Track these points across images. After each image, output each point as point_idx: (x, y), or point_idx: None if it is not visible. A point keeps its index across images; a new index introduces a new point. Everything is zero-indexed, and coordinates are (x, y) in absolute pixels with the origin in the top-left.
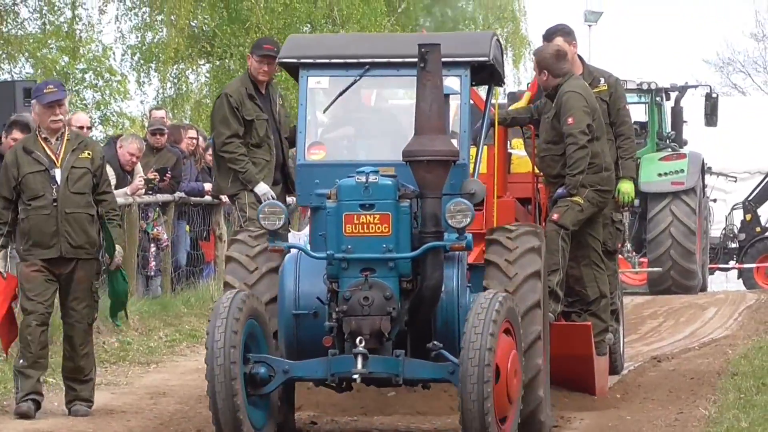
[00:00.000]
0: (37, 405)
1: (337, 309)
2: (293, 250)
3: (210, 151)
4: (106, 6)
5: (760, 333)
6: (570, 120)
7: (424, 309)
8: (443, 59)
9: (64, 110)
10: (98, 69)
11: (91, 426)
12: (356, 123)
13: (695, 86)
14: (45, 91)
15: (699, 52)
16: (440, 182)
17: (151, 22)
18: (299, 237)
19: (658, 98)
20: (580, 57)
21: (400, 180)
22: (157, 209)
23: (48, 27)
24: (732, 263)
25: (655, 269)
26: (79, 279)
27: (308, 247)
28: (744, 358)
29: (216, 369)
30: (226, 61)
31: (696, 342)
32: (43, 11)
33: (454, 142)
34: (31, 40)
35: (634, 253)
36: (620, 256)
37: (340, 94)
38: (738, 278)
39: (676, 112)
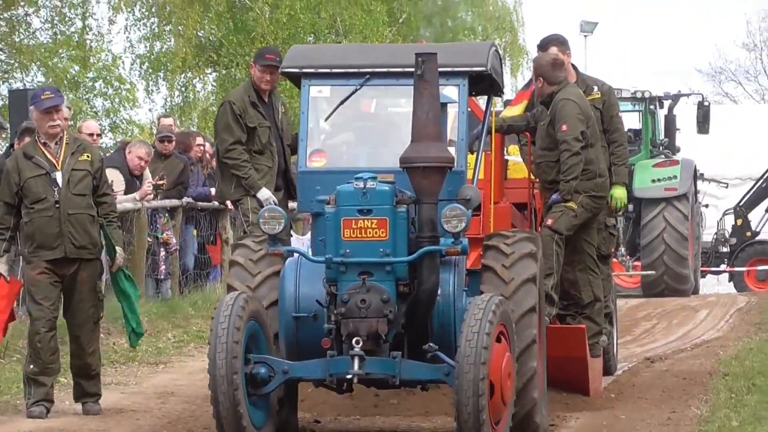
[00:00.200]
0: (48, 409)
1: (335, 312)
2: (295, 254)
3: None
4: (115, 16)
5: (750, 334)
6: (564, 127)
7: (421, 312)
8: (442, 69)
9: (61, 115)
10: (108, 78)
11: (101, 425)
12: (356, 131)
13: (688, 95)
14: (42, 97)
15: (692, 61)
16: (436, 188)
17: (160, 32)
18: (303, 241)
19: (651, 106)
20: (573, 66)
21: (399, 186)
22: (166, 214)
23: (59, 37)
24: (723, 267)
25: (649, 272)
26: (83, 279)
27: (309, 252)
28: (735, 359)
29: (218, 369)
30: (232, 70)
31: (688, 343)
32: (55, 21)
33: (452, 149)
34: (43, 50)
35: (628, 257)
36: (615, 259)
37: (341, 102)
38: (729, 281)
39: (670, 119)
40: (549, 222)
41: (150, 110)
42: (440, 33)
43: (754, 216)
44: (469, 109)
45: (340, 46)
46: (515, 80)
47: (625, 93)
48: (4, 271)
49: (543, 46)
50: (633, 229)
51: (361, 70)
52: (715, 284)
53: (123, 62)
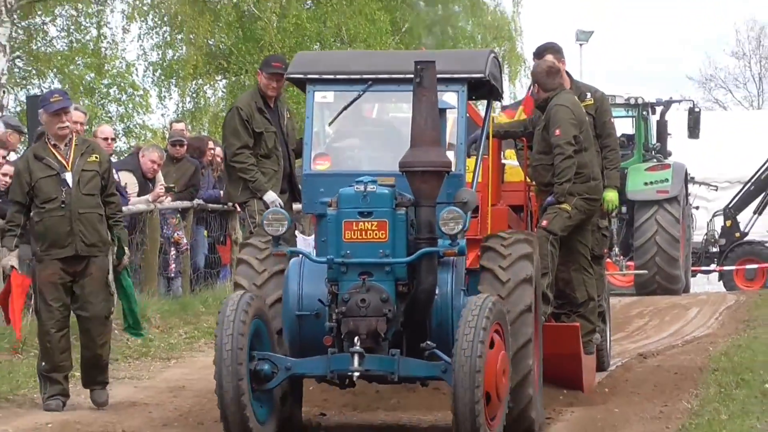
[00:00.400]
0: (64, 403)
1: (336, 310)
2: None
3: None
4: (129, 25)
5: (739, 331)
6: (557, 132)
7: (419, 311)
8: (442, 75)
9: (69, 117)
10: (122, 84)
11: (115, 417)
12: (359, 135)
13: (679, 101)
14: (51, 100)
15: (683, 69)
16: (434, 191)
17: (172, 40)
18: (309, 241)
19: (644, 112)
20: (568, 73)
21: (399, 189)
22: (178, 215)
23: (75, 45)
24: (713, 266)
25: (642, 272)
26: (93, 274)
27: (313, 252)
28: (724, 355)
29: (224, 368)
30: (242, 77)
31: (679, 340)
32: (71, 30)
33: (451, 154)
34: (60, 57)
35: (621, 257)
36: (609, 259)
37: (345, 108)
38: (719, 280)
39: (661, 125)
40: (544, 223)
41: (162, 115)
42: (441, 41)
43: (743, 217)
44: (467, 115)
45: (343, 53)
46: (513, 87)
47: (618, 99)
48: (16, 264)
49: (539, 53)
50: (626, 230)
51: (364, 76)
52: (705, 283)
53: (136, 69)
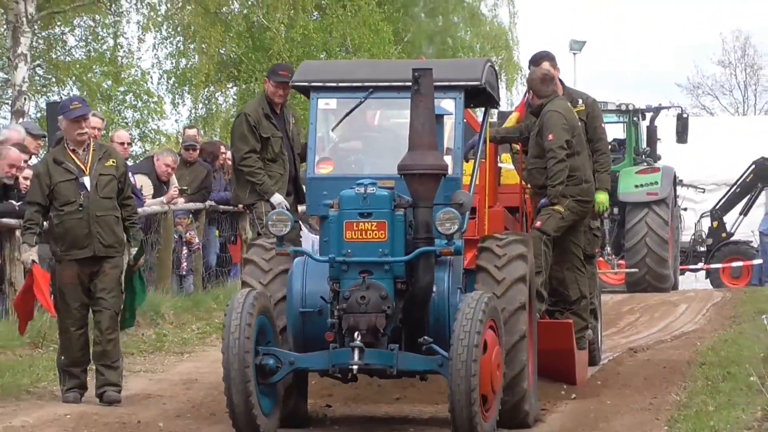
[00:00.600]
0: (82, 395)
1: (338, 307)
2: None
3: None
4: (144, 35)
5: (725, 327)
6: (550, 136)
7: (417, 307)
8: (441, 83)
9: (88, 124)
10: (137, 91)
11: (130, 409)
12: (361, 140)
13: (668, 107)
14: (71, 107)
15: (672, 77)
16: (431, 193)
17: (185, 49)
18: (314, 240)
19: (635, 118)
20: (561, 80)
21: (397, 191)
22: (190, 216)
23: (93, 54)
24: (700, 265)
25: (633, 270)
26: (108, 272)
27: (317, 252)
28: (711, 349)
29: (232, 363)
30: (251, 84)
31: (668, 335)
32: (89, 40)
33: (449, 158)
34: (78, 66)
35: (613, 256)
36: (601, 258)
37: (347, 114)
38: (706, 278)
39: (651, 130)
40: (538, 224)
41: (176, 121)
42: (441, 51)
43: (729, 218)
44: (465, 120)
45: (346, 62)
46: (510, 94)
47: (610, 105)
48: (37, 258)
49: (535, 61)
50: (618, 230)
51: (365, 84)
52: (693, 281)
53: (151, 77)
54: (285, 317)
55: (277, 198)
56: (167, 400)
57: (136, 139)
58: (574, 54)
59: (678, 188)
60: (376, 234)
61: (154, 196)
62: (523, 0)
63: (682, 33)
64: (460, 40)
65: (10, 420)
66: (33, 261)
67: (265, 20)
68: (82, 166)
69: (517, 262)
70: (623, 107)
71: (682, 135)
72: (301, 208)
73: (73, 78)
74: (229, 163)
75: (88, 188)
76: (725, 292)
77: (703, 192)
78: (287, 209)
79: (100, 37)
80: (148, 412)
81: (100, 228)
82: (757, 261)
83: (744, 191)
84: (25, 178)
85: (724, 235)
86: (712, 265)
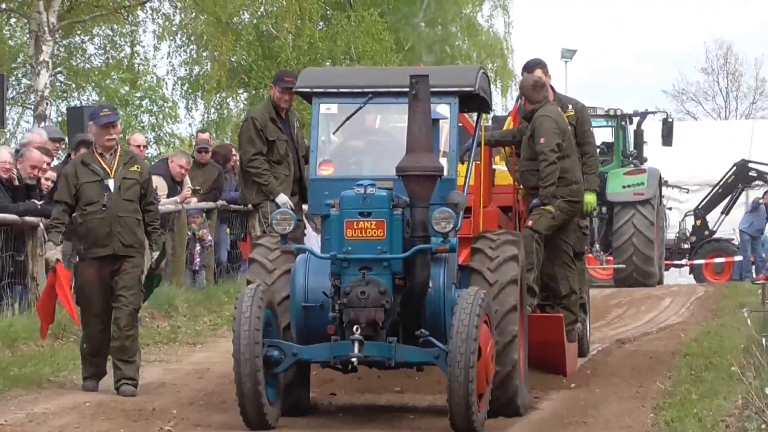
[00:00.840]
0: (98, 382)
1: (338, 302)
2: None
3: None
4: (159, 44)
5: (708, 320)
6: (542, 140)
7: (414, 302)
8: (436, 89)
9: (117, 130)
10: (153, 97)
11: (146, 397)
12: (361, 143)
13: (654, 112)
14: (101, 114)
15: (658, 83)
16: (428, 194)
17: (198, 57)
18: (318, 239)
19: (622, 122)
20: (552, 87)
21: (395, 192)
22: (203, 215)
23: (111, 61)
24: (684, 261)
25: (620, 266)
26: (128, 271)
27: (317, 249)
28: (694, 340)
29: (242, 354)
30: (261, 90)
31: (654, 327)
32: (107, 48)
33: (444, 160)
34: (97, 72)
35: (602, 252)
36: (590, 254)
37: (348, 118)
38: (689, 273)
39: (638, 134)
40: (530, 223)
41: (189, 125)
42: (440, 58)
43: (711, 217)
44: (460, 125)
45: (346, 69)
46: (505, 100)
47: (599, 110)
48: (61, 257)
49: (529, 68)
50: (606, 228)
51: (365, 89)
52: (678, 276)
53: (166, 83)
54: (289, 315)
55: (282, 198)
56: (181, 389)
57: (151, 141)
58: (566, 62)
59: (663, 188)
60: (375, 232)
61: (168, 196)
62: (518, 11)
63: (668, 42)
64: (458, 48)
65: (32, 407)
66: (57, 260)
67: (274, 30)
68: (108, 169)
69: (509, 264)
70: (611, 112)
71: (667, 138)
72: (305, 207)
73: (92, 84)
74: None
75: (111, 190)
76: (708, 286)
77: (687, 192)
78: (291, 209)
79: (117, 46)
80: (162, 399)
81: (121, 228)
82: (738, 257)
83: (726, 191)
84: (47, 179)
85: (706, 233)
86: (696, 261)
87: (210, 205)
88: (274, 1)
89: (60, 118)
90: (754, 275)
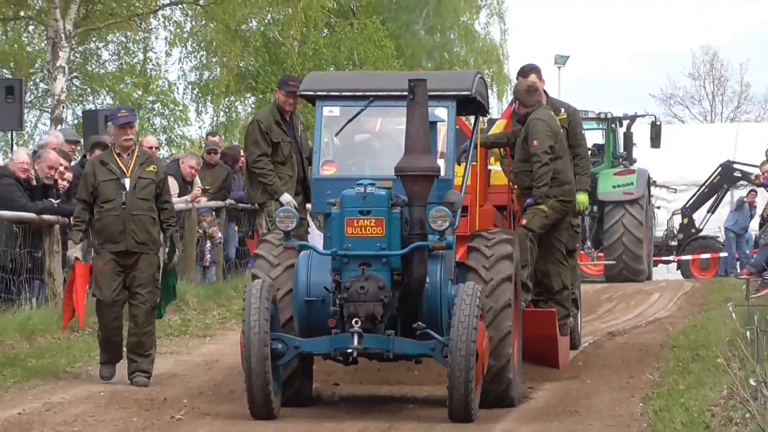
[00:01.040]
0: (114, 367)
1: (339, 296)
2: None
3: None
4: (171, 50)
5: (694, 313)
6: (535, 142)
7: (412, 297)
8: (435, 93)
9: (134, 131)
10: (165, 100)
11: (158, 387)
12: (361, 145)
13: (643, 116)
14: (119, 115)
15: (646, 88)
16: (425, 193)
17: (208, 63)
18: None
19: (613, 125)
20: (545, 91)
21: (394, 191)
22: (213, 213)
23: (124, 66)
24: (672, 257)
25: (611, 262)
26: (142, 269)
27: (320, 246)
28: (682, 333)
29: (252, 346)
30: (268, 95)
31: (643, 321)
32: (121, 54)
33: (442, 161)
34: (111, 77)
35: (593, 249)
36: (582, 251)
37: (349, 121)
38: (677, 269)
39: (628, 136)
40: (524, 222)
41: (199, 128)
42: (439, 64)
43: (698, 216)
44: (457, 127)
45: (348, 73)
46: (501, 104)
47: (590, 114)
48: (80, 256)
49: (524, 73)
50: (597, 226)
51: (366, 93)
52: (666, 272)
53: (177, 88)
54: (291, 308)
55: (286, 197)
56: (191, 379)
57: (163, 143)
58: (559, 67)
59: (652, 188)
60: (374, 230)
61: (179, 195)
62: (513, 19)
63: (656, 48)
64: (456, 54)
65: (49, 397)
66: (75, 258)
67: (280, 36)
68: (124, 169)
69: (504, 263)
70: (602, 115)
71: (655, 140)
72: (308, 206)
73: (107, 88)
74: None
75: (127, 188)
76: (694, 282)
77: (675, 192)
78: (295, 207)
79: (131, 52)
80: (173, 389)
81: (135, 226)
82: (723, 254)
83: (711, 191)
84: (63, 179)
85: (693, 230)
86: (683, 258)
87: (219, 203)
88: (280, 9)
89: (76, 121)
90: (738, 271)
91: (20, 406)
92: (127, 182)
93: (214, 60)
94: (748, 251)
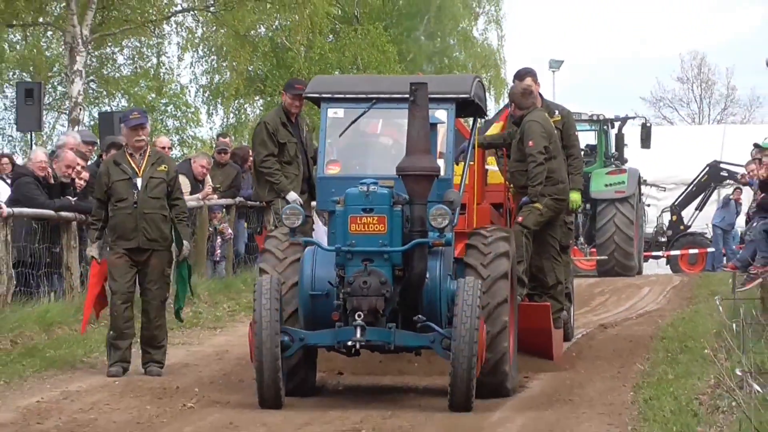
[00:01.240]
0: (125, 369)
1: (343, 290)
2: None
3: None
4: (183, 55)
5: (683, 306)
6: (530, 143)
7: (412, 291)
8: (435, 96)
9: (146, 132)
10: (177, 103)
11: (171, 376)
12: (364, 145)
13: (634, 117)
14: (131, 117)
15: (637, 91)
16: (425, 192)
17: (218, 67)
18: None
19: (605, 126)
20: (540, 94)
21: (396, 190)
22: (223, 210)
23: (139, 70)
24: (662, 252)
25: (603, 257)
26: (154, 265)
27: (325, 242)
28: (670, 325)
29: (263, 338)
30: (275, 97)
31: (634, 313)
32: (135, 58)
33: (441, 161)
34: (126, 81)
35: (586, 245)
36: (575, 247)
37: (353, 122)
38: (666, 264)
39: (619, 137)
40: (519, 219)
41: (210, 129)
42: (439, 68)
43: (686, 213)
44: (456, 129)
45: (352, 76)
46: (499, 106)
47: (583, 116)
48: (96, 254)
49: (520, 76)
50: (590, 223)
51: (369, 96)
52: (655, 266)
53: (189, 91)
54: (297, 301)
55: (292, 195)
56: (202, 369)
57: (175, 144)
58: (553, 71)
59: (642, 187)
60: (377, 227)
61: (191, 193)
62: (510, 25)
63: (646, 53)
64: (455, 59)
65: (67, 386)
66: (92, 257)
67: (288, 42)
68: (137, 169)
69: (501, 260)
70: (595, 117)
71: (645, 141)
72: (313, 204)
73: (122, 91)
74: None
75: (139, 188)
76: (683, 276)
77: (664, 190)
78: (301, 205)
79: (145, 56)
80: (185, 379)
81: (146, 224)
82: (711, 249)
83: (699, 190)
84: (80, 178)
85: (682, 227)
86: (672, 253)
87: (229, 201)
88: (288, 16)
89: (92, 122)
90: (725, 266)
91: (39, 394)
92: (138, 182)
93: (224, 64)
94: (734, 247)
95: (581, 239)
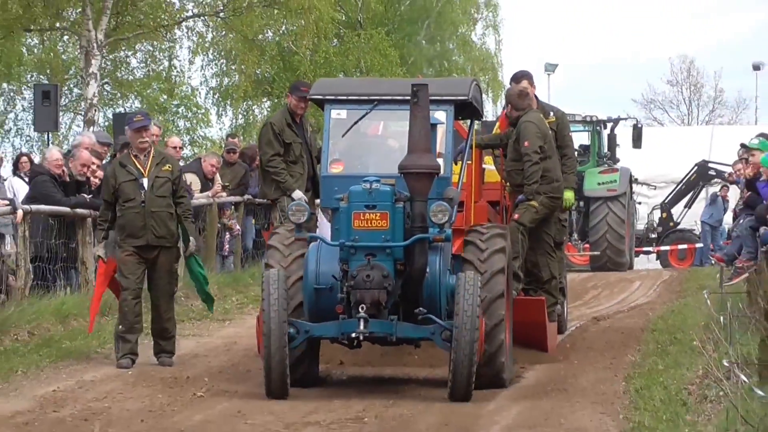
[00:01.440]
0: (134, 361)
1: (346, 284)
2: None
3: None
4: (194, 58)
5: (672, 300)
6: (526, 143)
7: (413, 285)
8: (434, 98)
9: (149, 133)
10: (188, 104)
11: (181, 366)
12: (367, 145)
13: (625, 119)
14: (134, 119)
15: (628, 93)
16: (426, 189)
17: (227, 70)
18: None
19: (598, 127)
20: (536, 96)
21: (397, 187)
22: (232, 207)
23: (151, 73)
24: (652, 248)
25: (595, 253)
26: (162, 262)
27: (328, 239)
28: (661, 318)
29: (272, 330)
30: (282, 99)
31: (625, 306)
32: (148, 61)
33: (441, 160)
34: (139, 83)
35: (579, 241)
36: (569, 243)
37: (355, 122)
38: (656, 259)
39: (611, 138)
40: (515, 216)
41: (220, 129)
42: (439, 71)
43: (676, 210)
44: (455, 129)
45: (355, 79)
46: (496, 108)
47: (577, 117)
48: (102, 254)
49: (517, 78)
50: (583, 220)
51: (371, 97)
52: (646, 262)
53: (199, 93)
54: (301, 294)
55: (298, 194)
56: (211, 360)
57: (186, 143)
58: (549, 74)
59: (633, 185)
60: (379, 223)
61: (201, 191)
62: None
63: (637, 57)
64: (454, 63)
65: (81, 375)
66: (98, 256)
67: (294, 46)
68: (142, 170)
69: (497, 256)
70: (588, 118)
71: (637, 142)
72: (317, 201)
73: (135, 93)
74: None
75: (146, 188)
76: (672, 271)
77: (655, 189)
78: (306, 203)
79: (157, 60)
80: (195, 369)
81: (154, 222)
82: (699, 245)
83: (688, 188)
84: (95, 177)
85: (671, 224)
86: (662, 249)
87: (237, 198)
88: (294, 21)
89: (106, 123)
90: (712, 262)
91: (55, 383)
92: (145, 182)
93: (233, 67)
94: (722, 242)
95: (575, 236)
